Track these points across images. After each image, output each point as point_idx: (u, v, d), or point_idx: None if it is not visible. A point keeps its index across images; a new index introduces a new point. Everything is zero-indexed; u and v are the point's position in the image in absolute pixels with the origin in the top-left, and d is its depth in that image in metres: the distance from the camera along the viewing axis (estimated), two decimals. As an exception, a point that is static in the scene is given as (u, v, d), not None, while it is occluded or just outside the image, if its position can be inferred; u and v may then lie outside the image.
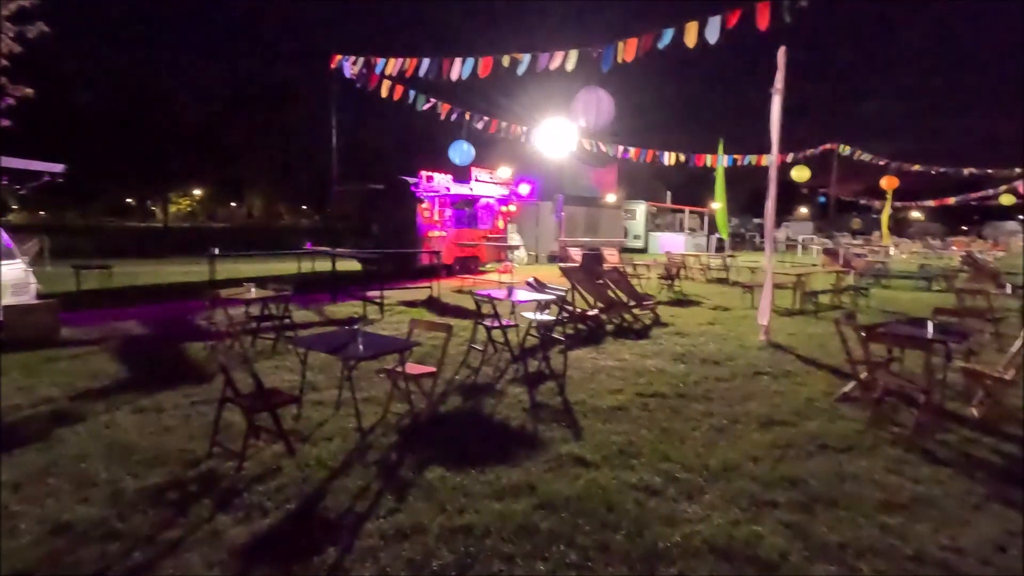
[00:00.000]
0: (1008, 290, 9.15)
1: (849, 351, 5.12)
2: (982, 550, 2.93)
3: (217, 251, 10.14)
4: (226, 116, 46.54)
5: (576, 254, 17.71)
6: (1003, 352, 5.49)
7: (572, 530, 3.10)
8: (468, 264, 16.99)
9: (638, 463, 3.96)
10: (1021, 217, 51.04)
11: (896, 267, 18.22)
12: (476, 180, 17.58)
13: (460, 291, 12.68)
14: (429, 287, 12.04)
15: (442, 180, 16.09)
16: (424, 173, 15.59)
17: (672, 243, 29.33)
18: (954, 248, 29.21)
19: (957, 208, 41.55)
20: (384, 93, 10.85)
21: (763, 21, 5.97)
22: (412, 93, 11.13)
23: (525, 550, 2.93)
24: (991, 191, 29.09)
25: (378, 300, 10.05)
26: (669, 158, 14.60)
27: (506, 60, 8.52)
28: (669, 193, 39.10)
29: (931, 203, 37.87)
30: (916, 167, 23.80)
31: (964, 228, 60.51)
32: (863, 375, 4.98)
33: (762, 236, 41.65)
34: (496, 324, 6.78)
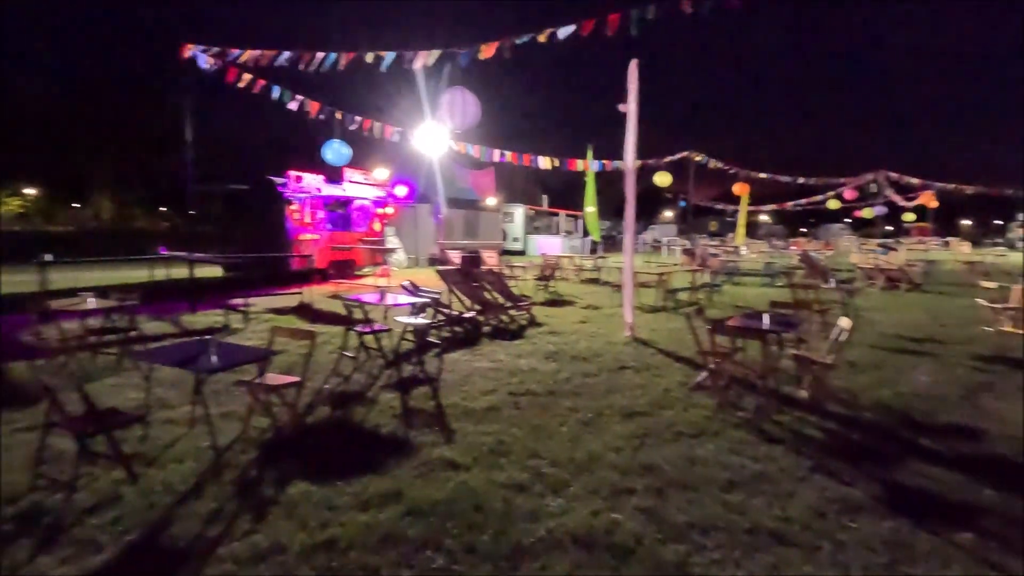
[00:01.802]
0: (832, 284, 10.37)
1: (700, 343, 5.54)
2: (805, 517, 3.28)
3: (50, 258, 9.04)
4: (67, 106, 41.45)
5: (455, 257, 17.78)
6: (828, 339, 6.20)
7: (439, 534, 3.09)
8: (343, 268, 16.45)
9: (507, 462, 4.02)
10: (847, 220, 57.92)
11: (746, 266, 20.04)
12: (350, 181, 17.08)
13: (335, 296, 12.23)
14: (300, 293, 11.51)
15: (313, 181, 15.47)
16: (293, 173, 14.91)
17: (549, 245, 30.21)
18: (793, 248, 32.58)
19: (798, 212, 46.50)
20: (243, 86, 10.22)
21: (612, 31, 6.32)
22: (276, 89, 10.57)
23: (390, 559, 2.87)
24: (820, 197, 32.90)
25: (242, 308, 9.46)
26: (543, 162, 15.02)
27: (370, 56, 8.34)
28: (546, 197, 40.27)
29: (773, 207, 41.95)
30: (762, 175, 26.35)
31: (803, 230, 67.79)
32: (712, 365, 5.40)
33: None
34: (368, 329, 6.62)
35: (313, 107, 11.26)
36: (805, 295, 8.67)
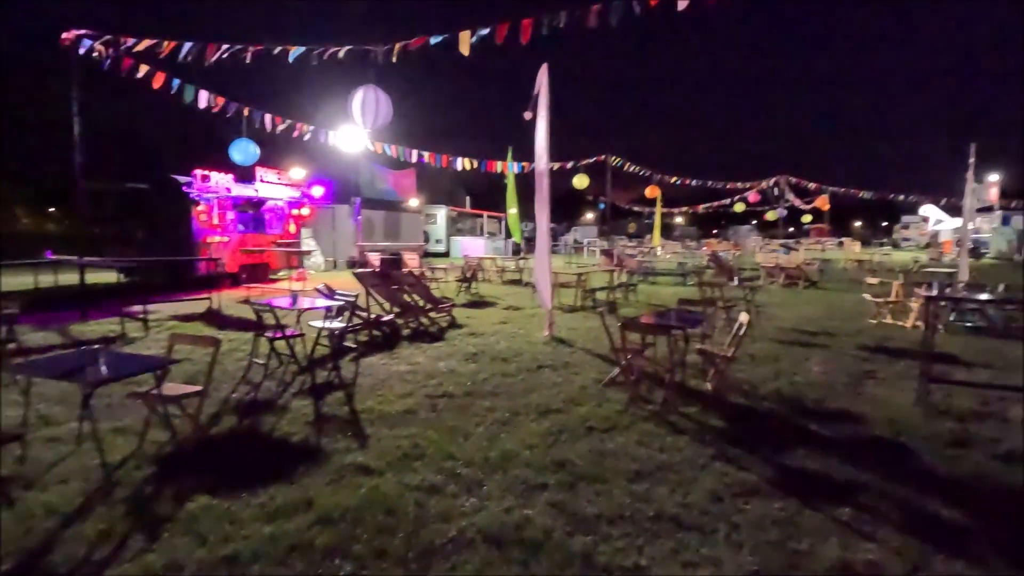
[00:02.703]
0: (735, 282, 10.98)
1: (612, 341, 5.73)
2: (704, 502, 3.47)
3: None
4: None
5: (375, 259, 17.46)
6: (731, 334, 6.56)
7: (349, 541, 3.04)
8: (256, 272, 15.80)
9: (422, 464, 4.01)
10: (754, 222, 61.33)
11: (661, 265, 20.84)
12: (263, 181, 16.43)
13: (246, 302, 11.73)
14: (208, 299, 10.96)
15: (221, 180, 14.77)
16: (199, 172, 14.17)
17: (473, 247, 30.23)
18: (705, 248, 34.15)
19: (710, 214, 48.82)
20: (140, 78, 9.62)
21: (526, 36, 6.44)
22: (177, 82, 10.02)
23: (296, 570, 2.80)
24: (728, 200, 34.74)
25: (142, 316, 8.90)
26: (462, 163, 15.04)
27: (276, 49, 8.06)
28: (469, 198, 40.29)
29: (686, 209, 43.88)
30: (673, 178, 27.51)
31: (715, 231, 71.19)
32: (624, 361, 5.60)
33: (555, 240, 44.89)
34: (280, 335, 6.40)
35: (218, 102, 10.75)
36: (712, 293, 9.14)
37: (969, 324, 9.35)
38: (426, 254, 28.09)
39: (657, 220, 27.09)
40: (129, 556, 2.89)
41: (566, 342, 8.18)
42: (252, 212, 16.23)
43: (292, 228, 17.60)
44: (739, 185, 35.47)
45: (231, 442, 4.53)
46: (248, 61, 8.81)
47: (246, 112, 12.06)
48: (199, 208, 14.11)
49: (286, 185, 17.51)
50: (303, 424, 4.81)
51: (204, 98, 10.61)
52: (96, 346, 4.00)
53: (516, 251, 28.26)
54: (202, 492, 3.52)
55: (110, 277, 13.70)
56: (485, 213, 37.38)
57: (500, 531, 3.14)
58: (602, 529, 3.18)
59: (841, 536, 3.11)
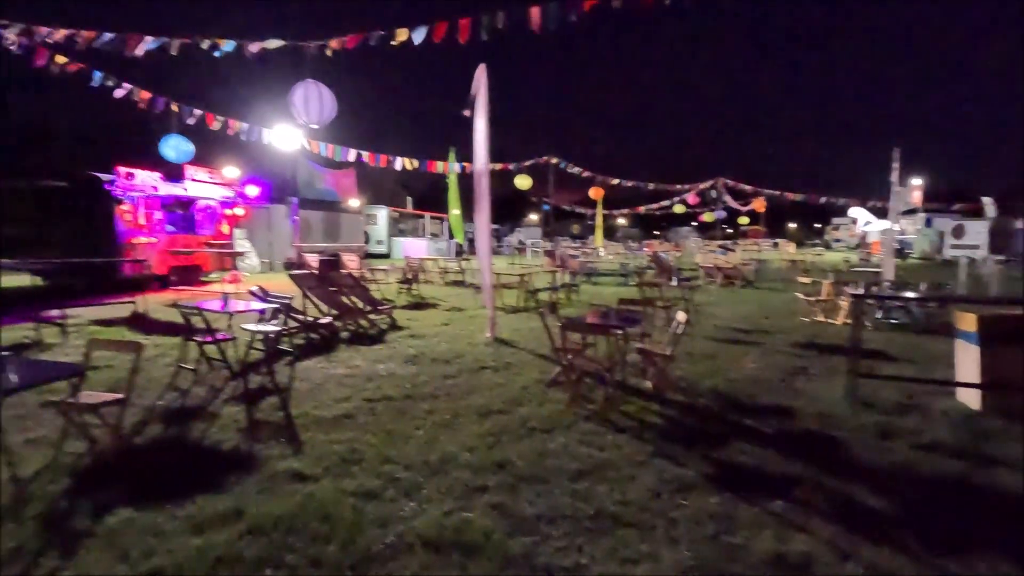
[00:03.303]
0: (674, 282, 11.24)
1: (553, 341, 5.72)
2: (643, 499, 3.49)
3: None
4: None
5: (313, 260, 17.00)
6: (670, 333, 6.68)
7: (281, 551, 2.90)
8: (186, 274, 15.11)
9: (359, 469, 3.88)
10: (694, 224, 63.10)
11: (603, 266, 21.15)
12: (193, 180, 15.74)
13: (174, 305, 11.20)
14: (133, 302, 10.39)
15: (148, 178, 14.05)
16: (123, 169, 13.43)
17: (415, 248, 29.88)
18: (647, 249, 34.90)
19: (652, 215, 49.98)
20: (58, 71, 9.02)
21: (464, 36, 6.38)
22: (98, 75, 9.45)
23: (221, 585, 2.64)
24: (668, 202, 35.67)
25: (60, 321, 8.34)
26: (403, 163, 14.82)
27: (205, 43, 7.71)
28: (411, 199, 39.84)
29: (627, 211, 44.83)
30: (615, 180, 28.01)
31: (656, 233, 72.91)
32: (565, 361, 5.60)
33: (499, 241, 44.92)
34: (210, 339, 6.11)
35: (143, 97, 10.21)
36: (651, 292, 9.29)
37: (894, 321, 9.85)
38: (367, 255, 27.59)
39: (598, 221, 27.54)
40: (40, 575, 2.67)
41: (508, 343, 8.15)
42: (182, 212, 15.52)
43: (225, 229, 16.94)
44: (679, 187, 36.51)
45: (156, 452, 4.27)
46: (175, 54, 8.39)
47: (175, 108, 11.53)
48: (123, 207, 13.37)
49: (219, 184, 16.84)
50: (234, 431, 4.59)
51: (128, 92, 10.06)
52: (5, 353, 3.70)
53: (459, 252, 28.10)
54: (123, 505, 3.30)
55: (24, 280, 12.80)
56: (427, 214, 37.05)
57: (439, 534, 3.07)
58: (542, 529, 3.15)
59: (775, 528, 3.18)
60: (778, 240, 47.47)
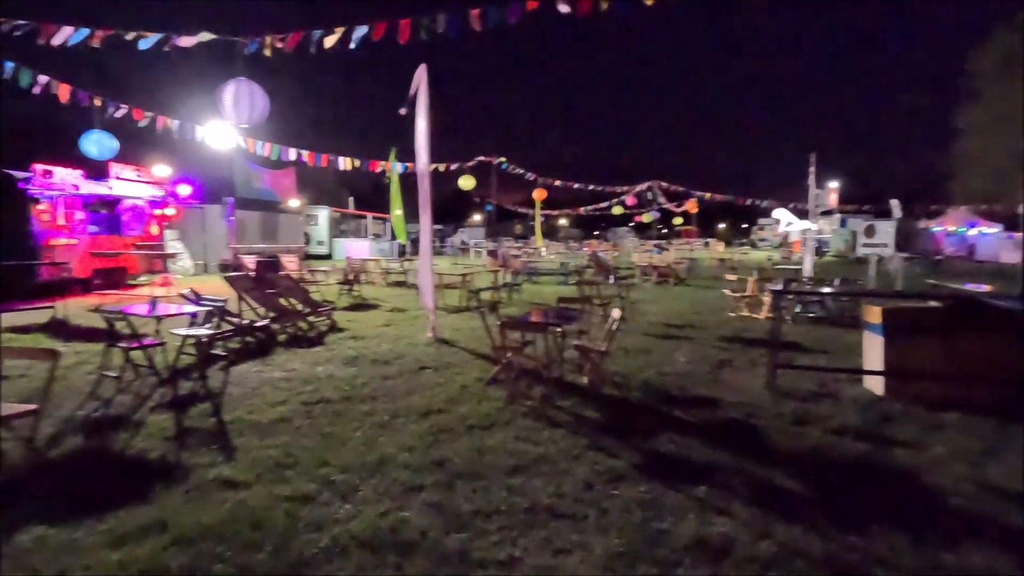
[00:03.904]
0: (612, 280, 11.55)
1: (493, 339, 5.81)
2: (576, 490, 3.62)
3: None
4: None
5: (250, 262, 16.53)
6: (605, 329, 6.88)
7: (209, 560, 2.86)
8: (112, 277, 14.40)
9: (294, 474, 3.85)
10: (632, 224, 64.55)
11: (545, 266, 21.41)
12: (119, 178, 15.03)
13: (97, 310, 10.69)
14: (52, 307, 9.84)
15: (68, 176, 13.33)
16: (40, 167, 12.69)
17: (357, 249, 29.41)
18: (586, 249, 35.52)
19: (592, 216, 50.91)
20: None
21: (404, 36, 6.38)
22: (10, 65, 8.90)
23: (148, 595, 2.59)
24: (606, 203, 36.44)
25: (-33, 328, 7.83)
26: (343, 163, 14.60)
27: (131, 35, 7.38)
28: (352, 199, 39.13)
29: (568, 212, 45.50)
30: (556, 182, 28.41)
31: (596, 233, 74.20)
32: (504, 359, 5.70)
33: (442, 241, 44.75)
34: (136, 344, 5.89)
35: (62, 90, 9.68)
36: (590, 291, 9.52)
37: (811, 314, 10.43)
38: (307, 256, 26.97)
39: (537, 222, 27.83)
40: (-59, 600, 2.55)
41: (449, 343, 8.19)
42: (107, 212, 14.80)
43: (155, 229, 16.25)
44: (617, 189, 37.34)
45: (74, 464, 4.10)
46: (97, 46, 7.99)
47: (99, 103, 10.98)
48: (40, 207, 12.64)
49: (148, 183, 16.14)
50: (161, 440, 4.45)
51: (46, 85, 9.52)
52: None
53: (402, 252, 27.89)
54: (36, 522, 3.17)
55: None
56: (370, 214, 36.48)
57: (375, 535, 3.09)
58: (478, 524, 3.22)
59: (698, 513, 3.36)
60: (709, 240, 49.22)
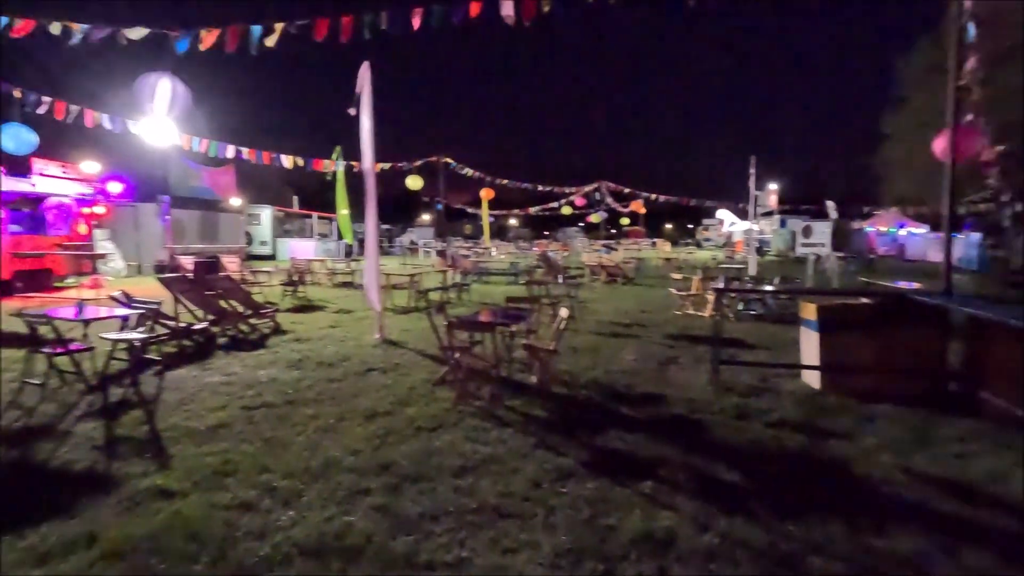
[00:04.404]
0: (561, 280, 11.66)
1: (441, 340, 5.76)
2: (524, 489, 3.62)
3: None
4: None
5: (188, 263, 15.90)
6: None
7: (142, 574, 2.72)
8: (35, 279, 13.59)
9: (234, 481, 3.71)
10: (581, 224, 65.28)
11: (494, 265, 21.42)
12: (42, 175, 14.20)
13: (18, 314, 10.06)
14: (-33, 312, 9.19)
15: (-15, 173, 12.50)
16: (-48, 163, 11.87)
17: (302, 249, 28.72)
18: (536, 249, 35.74)
19: (542, 216, 51.26)
20: None
21: (346, 34, 6.25)
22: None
23: (72, 615, 2.45)
24: (555, 204, 36.79)
25: None
26: (286, 161, 14.21)
27: (56, 27, 6.96)
28: (296, 198, 38.17)
29: (518, 212, 45.71)
30: (505, 181, 28.47)
31: (546, 233, 74.68)
32: (452, 360, 5.65)
33: (390, 241, 44.17)
34: (61, 350, 5.57)
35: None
36: (539, 291, 9.56)
37: (753, 312, 10.78)
38: (249, 257, 26.17)
39: (485, 221, 27.85)
40: None
41: (397, 344, 8.08)
42: (29, 210, 13.95)
43: (83, 229, 15.43)
44: (566, 189, 37.72)
45: (-8, 478, 3.84)
46: (14, 35, 7.51)
47: (18, 94, 10.34)
48: (-46, 205, 11.81)
49: (75, 180, 15.32)
50: (89, 449, 4.22)
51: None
52: None
53: (349, 253, 27.40)
54: (-53, 541, 2.95)
55: None
56: (315, 213, 35.66)
57: (319, 542, 3.01)
58: (425, 527, 3.18)
59: (644, 508, 3.41)
60: (656, 240, 50.32)
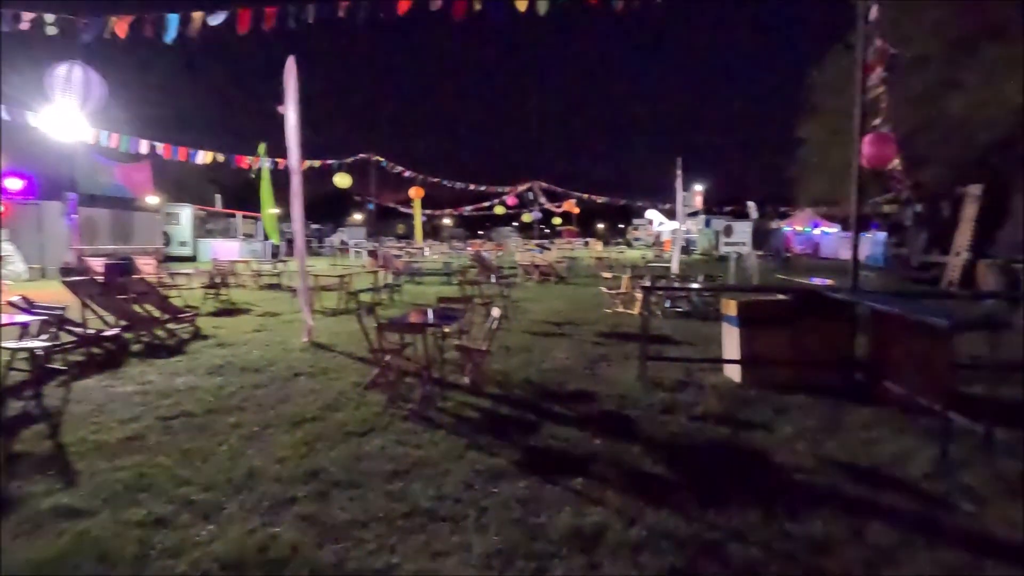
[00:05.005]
0: (494, 280, 11.70)
1: (370, 342, 5.65)
2: (456, 491, 3.60)
3: None
4: None
5: (98, 265, 14.94)
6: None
7: (42, 601, 2.53)
8: (-79, 284, 12.42)
9: (148, 496, 3.51)
10: (515, 224, 65.77)
11: (428, 265, 21.23)
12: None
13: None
14: None
15: None
16: None
17: (225, 250, 27.53)
18: (470, 248, 35.70)
19: (476, 216, 51.24)
20: None
21: (268, 24, 6.02)
22: None
23: (-39, 651, 2.25)
24: (488, 203, 36.88)
25: None
26: (206, 157, 13.58)
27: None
28: (219, 196, 36.53)
29: (451, 211, 45.54)
30: (436, 180, 28.28)
31: (480, 232, 74.72)
32: (383, 362, 5.57)
33: (320, 241, 43.02)
34: (-51, 361, 5.12)
35: None
36: (472, 290, 9.55)
37: (680, 309, 11.16)
38: (167, 258, 24.87)
39: (417, 221, 27.58)
40: None
41: (326, 347, 7.87)
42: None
43: (-23, 228, 14.20)
44: (499, 189, 37.85)
45: None
46: None
47: None
48: None
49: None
50: (-17, 469, 3.89)
51: None
52: None
53: (275, 253, 26.51)
54: None
55: None
56: (240, 213, 34.25)
57: (241, 555, 2.89)
58: (354, 534, 3.11)
59: (574, 505, 3.46)
60: (588, 239, 51.30)
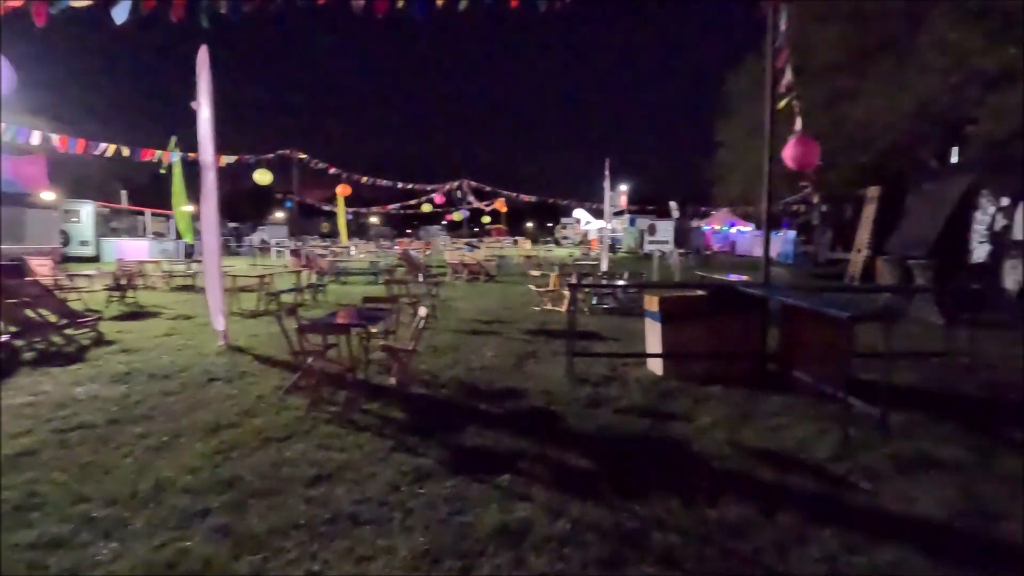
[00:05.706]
0: (421, 279, 11.56)
1: (291, 344, 5.44)
2: (381, 494, 3.52)
3: None
4: None
5: (-15, 266, 13.65)
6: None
7: (-89, 638, 2.27)
8: None
9: (41, 515, 3.24)
10: (444, 222, 65.28)
11: (354, 265, 20.74)
12: None
13: None
14: None
15: None
16: None
17: (133, 250, 25.82)
18: (398, 247, 35.15)
19: (404, 214, 50.51)
20: None
21: (178, 14, 5.66)
22: None
23: None
24: (415, 201, 36.46)
25: None
26: (108, 150, 12.69)
27: None
28: (125, 193, 34.26)
29: (378, 209, 44.75)
30: (364, 178, 27.66)
31: (408, 231, 73.74)
32: (304, 365, 5.37)
33: (239, 240, 41.14)
34: None
35: None
36: (398, 290, 9.39)
37: (606, 306, 11.41)
38: (66, 259, 23.11)
39: (342, 219, 26.90)
40: None
41: (244, 351, 7.53)
42: None
43: None
44: (427, 187, 37.48)
45: None
46: None
47: None
48: None
49: None
50: None
51: None
52: None
53: (189, 253, 25.18)
54: None
55: None
56: (148, 210, 32.24)
57: (147, 572, 2.71)
58: (274, 543, 2.98)
59: (500, 501, 3.46)
60: (517, 238, 51.66)
